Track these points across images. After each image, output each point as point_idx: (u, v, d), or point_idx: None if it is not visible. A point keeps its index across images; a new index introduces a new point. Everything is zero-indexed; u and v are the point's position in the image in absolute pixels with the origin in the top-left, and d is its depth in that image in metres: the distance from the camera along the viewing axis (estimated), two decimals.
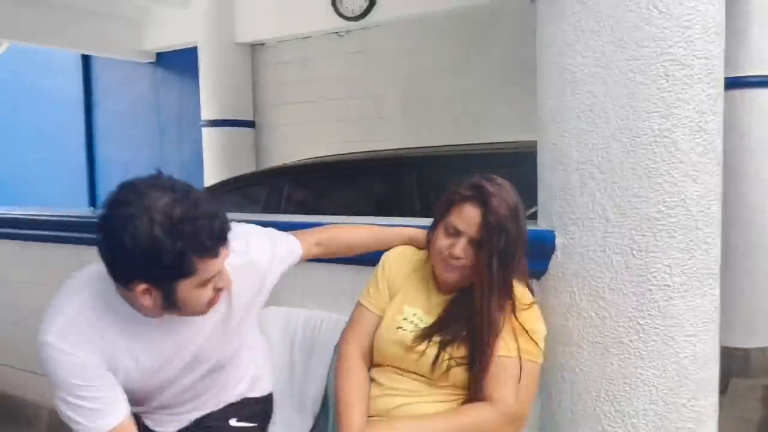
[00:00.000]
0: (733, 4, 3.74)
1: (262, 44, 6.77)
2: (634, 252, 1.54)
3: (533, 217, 1.89)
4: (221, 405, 1.64)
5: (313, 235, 1.71)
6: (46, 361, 1.31)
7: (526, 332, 1.50)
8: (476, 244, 1.45)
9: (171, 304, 1.30)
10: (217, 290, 1.34)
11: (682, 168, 1.52)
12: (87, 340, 1.32)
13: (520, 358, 1.48)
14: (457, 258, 1.46)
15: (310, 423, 1.82)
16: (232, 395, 1.65)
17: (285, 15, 6.28)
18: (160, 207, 1.21)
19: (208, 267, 1.27)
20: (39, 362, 1.32)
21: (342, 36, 6.22)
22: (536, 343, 1.52)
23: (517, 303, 1.50)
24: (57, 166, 8.81)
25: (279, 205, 3.55)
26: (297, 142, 6.62)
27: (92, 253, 1.32)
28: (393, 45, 5.98)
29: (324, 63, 6.43)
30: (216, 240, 1.26)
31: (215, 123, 6.63)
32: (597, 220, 1.58)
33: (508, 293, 1.48)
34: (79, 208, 6.21)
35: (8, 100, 9.49)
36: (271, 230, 1.66)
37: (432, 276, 1.58)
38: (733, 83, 3.85)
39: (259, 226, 1.67)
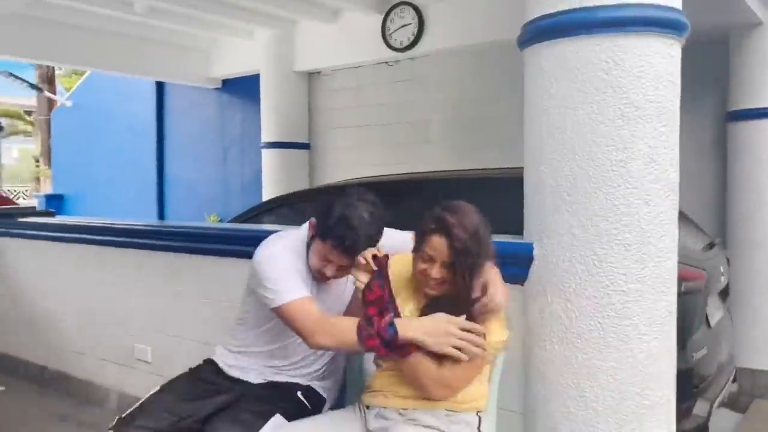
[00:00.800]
0: (756, 40, 3.95)
1: (318, 72, 7.28)
2: (595, 262, 1.84)
3: None
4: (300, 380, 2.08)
5: None
6: (266, 261, 1.92)
7: None
8: (448, 265, 1.72)
9: (308, 248, 1.97)
10: (323, 273, 1.93)
11: (636, 193, 1.82)
12: (293, 255, 1.97)
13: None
14: (435, 278, 1.75)
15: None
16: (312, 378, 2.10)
17: (339, 46, 6.75)
18: (353, 204, 1.89)
19: (327, 251, 1.89)
20: (257, 269, 1.92)
21: (391, 65, 6.64)
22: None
23: None
24: (130, 183, 9.57)
25: None
26: (348, 163, 7.05)
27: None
28: (439, 74, 6.36)
29: (374, 90, 6.87)
30: (340, 247, 1.86)
31: (274, 145, 7.14)
32: (565, 235, 1.89)
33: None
34: (149, 220, 6.82)
35: (90, 123, 10.40)
36: None
37: None
38: (758, 114, 4.04)
39: None
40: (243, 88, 8.10)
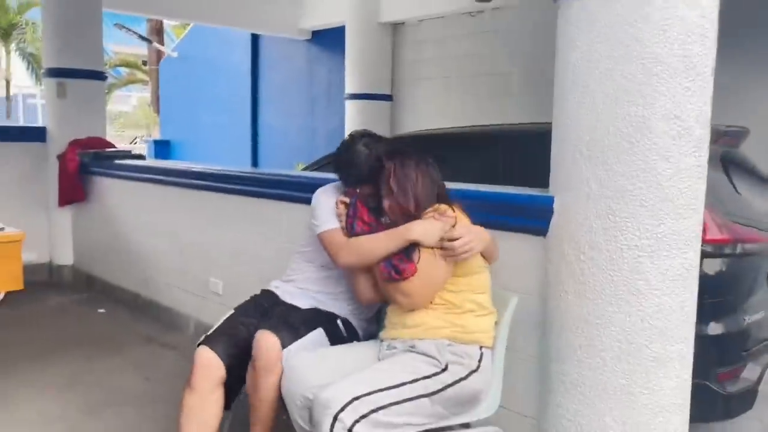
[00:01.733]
0: None
1: (402, 24, 7.32)
2: (610, 217, 1.87)
3: None
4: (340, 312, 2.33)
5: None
6: (319, 196, 2.30)
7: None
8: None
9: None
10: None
11: (655, 149, 1.81)
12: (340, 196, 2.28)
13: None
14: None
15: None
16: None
17: None
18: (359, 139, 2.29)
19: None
20: (312, 204, 2.30)
21: (474, 16, 6.58)
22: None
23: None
24: (227, 129, 10.13)
25: None
26: (428, 115, 7.12)
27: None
28: (520, 26, 6.24)
29: (456, 42, 6.84)
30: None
31: (357, 96, 7.32)
32: (582, 188, 1.92)
33: None
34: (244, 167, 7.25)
35: (193, 73, 11.01)
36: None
37: None
38: None
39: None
40: (330, 40, 8.28)
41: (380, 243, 2.00)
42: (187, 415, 2.14)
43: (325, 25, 8.20)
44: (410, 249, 1.94)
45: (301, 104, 8.79)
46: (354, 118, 7.34)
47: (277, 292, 2.44)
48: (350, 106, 7.36)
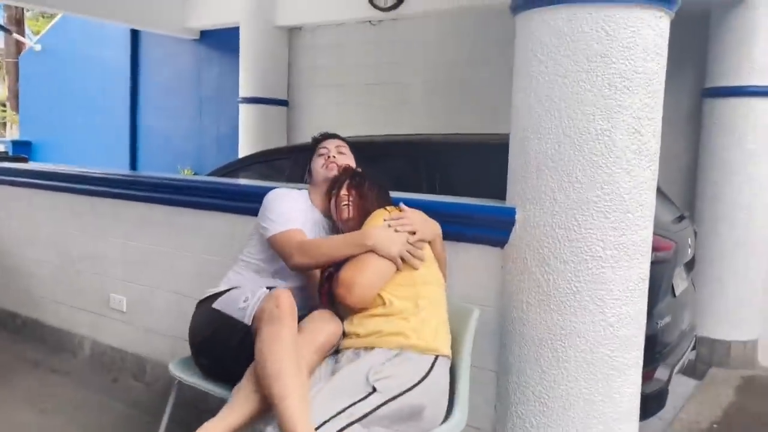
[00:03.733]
0: (736, 19, 4.00)
1: (299, 28, 7.16)
2: (575, 228, 1.90)
3: None
4: None
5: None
6: (271, 197, 2.19)
7: None
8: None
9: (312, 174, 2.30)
10: (328, 163, 2.24)
11: (618, 163, 1.86)
12: (296, 200, 2.21)
13: None
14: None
15: None
16: None
17: (322, 2, 6.64)
18: None
19: (319, 149, 2.30)
20: (264, 203, 2.17)
21: (374, 25, 6.57)
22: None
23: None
24: (101, 130, 9.38)
25: (302, 177, 3.94)
26: (325, 122, 6.99)
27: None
28: (422, 36, 6.31)
29: (355, 50, 6.80)
30: (321, 136, 2.38)
31: (251, 100, 7.04)
32: (546, 200, 1.93)
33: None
34: (125, 170, 6.72)
35: (60, 68, 10.10)
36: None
37: None
38: (734, 92, 4.11)
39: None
40: (221, 41, 7.94)
41: (338, 248, 1.94)
42: (290, 344, 1.75)
43: (215, 25, 7.83)
44: None
45: (188, 107, 8.32)
46: (249, 123, 7.07)
47: None
48: (245, 110, 7.07)
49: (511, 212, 2.03)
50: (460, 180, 3.44)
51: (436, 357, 1.83)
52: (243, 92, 7.08)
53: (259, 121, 7.08)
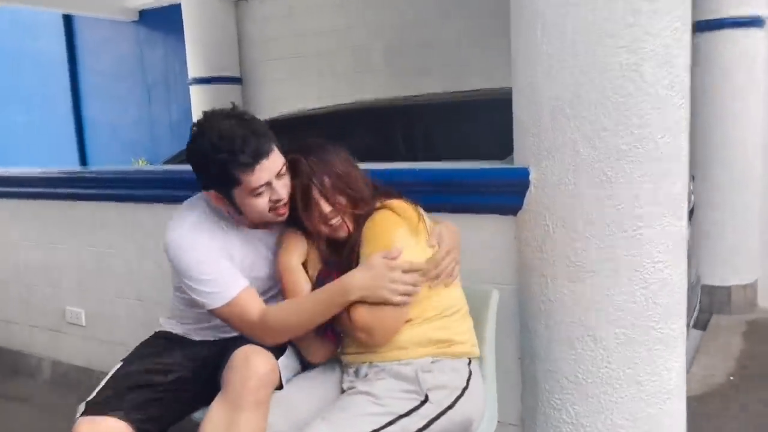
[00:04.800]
0: None
1: None
2: (604, 184, 1.61)
3: None
4: None
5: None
6: (176, 252, 1.56)
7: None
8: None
9: (237, 209, 1.55)
10: (274, 201, 1.52)
11: (648, 101, 1.57)
12: (203, 231, 1.59)
13: None
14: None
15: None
16: None
17: None
18: (216, 127, 1.46)
19: (249, 178, 1.46)
20: (172, 263, 1.59)
21: None
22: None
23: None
24: (45, 128, 8.76)
25: None
26: (285, 97, 6.59)
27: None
28: None
29: (308, 17, 6.37)
30: (251, 156, 1.44)
31: (202, 80, 6.60)
32: (567, 154, 1.63)
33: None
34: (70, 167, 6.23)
35: None
36: None
37: None
38: (718, 25, 3.87)
39: None
40: (163, 20, 7.40)
41: (314, 315, 1.49)
42: None
43: (154, 3, 7.29)
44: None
45: (134, 94, 7.78)
46: (202, 105, 6.60)
47: (183, 333, 1.79)
48: (196, 91, 6.62)
49: (523, 173, 1.73)
50: (444, 144, 3.13)
51: (470, 360, 1.55)
52: (192, 73, 6.62)
53: (213, 102, 6.58)
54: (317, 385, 1.60)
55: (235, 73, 6.79)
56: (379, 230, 1.47)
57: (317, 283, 1.53)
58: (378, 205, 1.51)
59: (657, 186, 1.61)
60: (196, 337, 1.77)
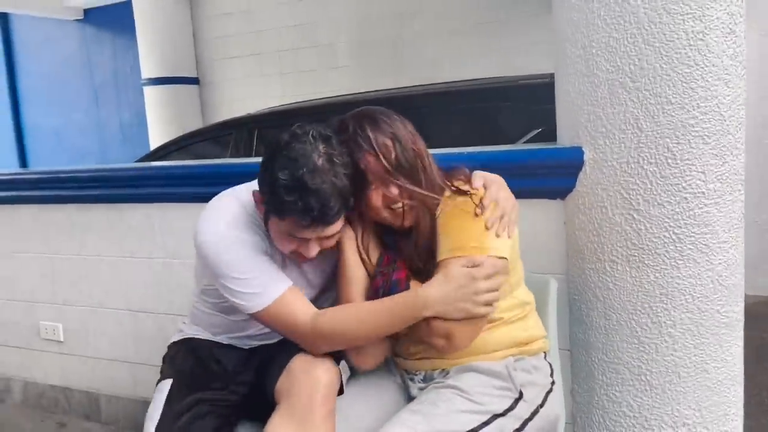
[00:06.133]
0: None
1: None
2: (669, 161, 1.52)
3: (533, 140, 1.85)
4: None
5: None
6: (213, 250, 1.36)
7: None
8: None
9: (266, 227, 1.36)
10: (297, 253, 1.34)
11: (715, 72, 1.49)
12: (246, 226, 1.39)
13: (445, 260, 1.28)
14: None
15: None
16: None
17: None
18: (307, 163, 1.22)
19: (295, 229, 1.28)
20: (208, 262, 1.37)
21: None
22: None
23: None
24: None
25: (249, 154, 3.39)
26: (244, 97, 6.36)
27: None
28: None
29: (268, 13, 6.17)
30: (312, 219, 1.24)
31: (157, 81, 6.30)
32: (629, 131, 1.54)
33: None
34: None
35: None
36: None
37: None
38: None
39: None
40: (111, 18, 7.03)
41: (374, 325, 1.30)
42: None
43: (100, 1, 6.92)
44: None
45: (81, 97, 7.33)
46: (157, 107, 6.31)
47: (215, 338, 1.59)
48: (150, 92, 6.30)
49: (577, 153, 1.62)
50: (443, 134, 3.02)
51: (545, 355, 1.43)
52: (146, 73, 6.32)
53: (169, 103, 6.35)
54: (372, 392, 1.44)
55: (192, 73, 6.52)
56: (462, 223, 1.28)
57: (379, 271, 1.36)
58: (449, 193, 1.33)
59: (722, 161, 1.53)
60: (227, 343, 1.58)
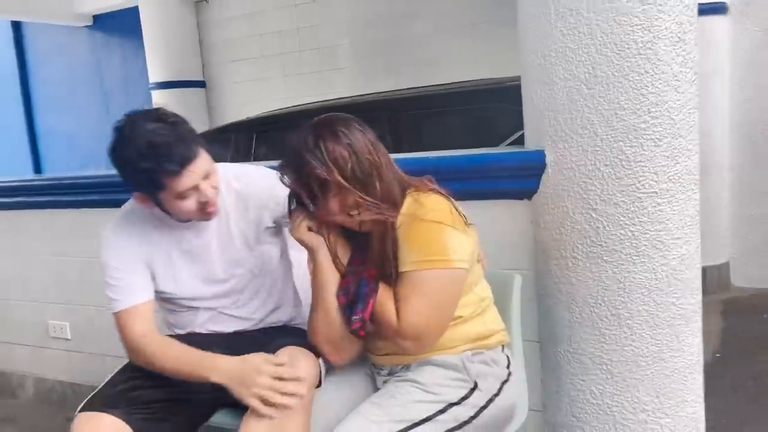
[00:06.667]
0: None
1: (206, 0, 6.57)
2: (623, 162, 1.61)
3: (518, 141, 1.95)
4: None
5: None
6: (100, 250, 1.61)
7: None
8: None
9: (165, 210, 1.53)
10: (202, 203, 1.50)
11: (664, 78, 1.58)
12: (130, 234, 1.60)
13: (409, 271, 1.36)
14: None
15: None
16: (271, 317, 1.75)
17: None
18: (140, 133, 1.42)
19: (176, 183, 1.44)
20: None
21: None
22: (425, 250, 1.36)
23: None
24: None
25: (247, 158, 3.51)
26: (250, 99, 6.49)
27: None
28: None
29: (271, 17, 6.29)
30: (177, 163, 1.41)
31: (164, 85, 6.44)
32: (586, 135, 1.64)
33: None
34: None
35: None
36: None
37: None
38: None
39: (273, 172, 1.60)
40: (120, 24, 7.20)
41: (177, 366, 1.49)
42: None
43: (109, 7, 7.08)
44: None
45: (92, 102, 7.52)
46: None
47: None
48: (158, 97, 6.44)
49: (539, 156, 1.72)
50: (430, 137, 3.13)
51: (503, 348, 1.53)
52: (153, 77, 6.46)
53: (176, 106, 6.25)
54: (344, 386, 1.55)
55: (198, 77, 6.65)
56: (425, 234, 1.35)
57: (349, 270, 1.45)
58: (410, 201, 1.40)
59: (674, 162, 1.62)
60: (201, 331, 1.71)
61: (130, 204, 1.63)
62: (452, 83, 3.77)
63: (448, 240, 1.36)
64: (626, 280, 1.66)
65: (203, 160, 1.47)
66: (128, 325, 1.53)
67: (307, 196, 1.38)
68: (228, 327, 1.70)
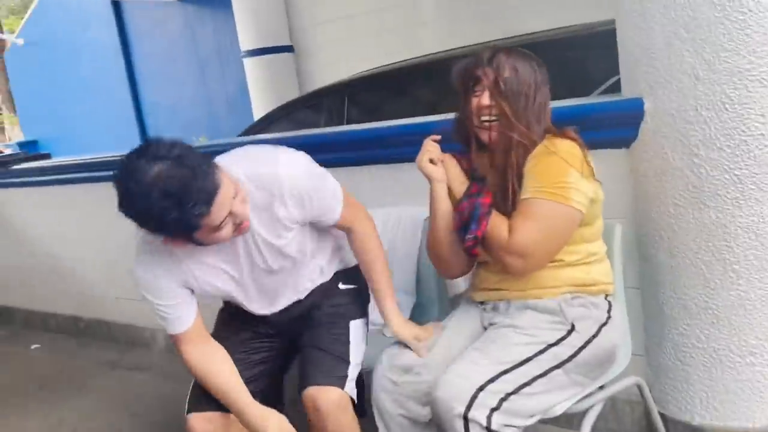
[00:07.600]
0: None
1: None
2: (727, 106, 1.58)
3: (612, 89, 1.94)
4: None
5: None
6: (137, 289, 1.59)
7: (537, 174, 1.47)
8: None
9: (200, 244, 1.45)
10: (237, 225, 1.42)
11: None
12: (159, 264, 1.53)
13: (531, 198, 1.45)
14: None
15: (412, 301, 1.99)
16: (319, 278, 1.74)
17: None
18: (148, 182, 1.27)
19: (210, 220, 1.34)
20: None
21: None
22: (549, 182, 1.44)
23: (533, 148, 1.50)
24: (105, 115, 9.02)
25: (340, 122, 3.60)
26: (337, 60, 6.58)
27: None
28: None
29: None
30: (204, 202, 1.30)
31: (254, 52, 6.64)
32: (685, 80, 1.61)
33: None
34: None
35: (49, 59, 9.65)
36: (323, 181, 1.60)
37: None
38: None
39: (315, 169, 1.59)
40: None
41: (232, 405, 1.60)
42: None
43: None
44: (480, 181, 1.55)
45: (189, 73, 7.92)
46: (257, 77, 6.68)
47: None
48: (249, 64, 6.68)
49: (638, 104, 1.72)
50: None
51: (607, 297, 1.59)
52: (244, 45, 6.68)
53: (266, 73, 6.69)
54: (464, 323, 1.66)
55: (286, 42, 6.80)
56: (551, 168, 1.45)
57: (464, 199, 1.53)
58: (547, 142, 1.49)
59: None
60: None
61: (143, 231, 1.44)
62: (541, 31, 3.69)
63: (571, 179, 1.44)
64: (731, 224, 1.64)
65: (225, 181, 1.35)
66: (181, 348, 1.62)
67: (461, 89, 1.53)
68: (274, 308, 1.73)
